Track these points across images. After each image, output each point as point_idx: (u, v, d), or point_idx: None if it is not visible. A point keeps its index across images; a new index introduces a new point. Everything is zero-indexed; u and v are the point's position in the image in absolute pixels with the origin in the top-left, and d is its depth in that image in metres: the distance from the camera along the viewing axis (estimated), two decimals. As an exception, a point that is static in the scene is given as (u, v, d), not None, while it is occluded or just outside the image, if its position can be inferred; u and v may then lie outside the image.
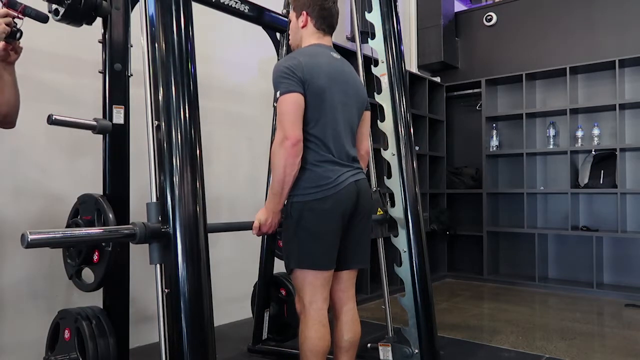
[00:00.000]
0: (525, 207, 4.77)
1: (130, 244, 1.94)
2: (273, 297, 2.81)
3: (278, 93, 1.80)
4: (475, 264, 5.09)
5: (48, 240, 1.30)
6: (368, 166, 2.40)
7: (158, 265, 1.44)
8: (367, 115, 2.10)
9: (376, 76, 2.60)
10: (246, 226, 1.96)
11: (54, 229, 1.32)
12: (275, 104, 2.86)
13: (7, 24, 1.65)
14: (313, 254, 1.82)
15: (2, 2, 1.67)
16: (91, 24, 1.94)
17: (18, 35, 1.70)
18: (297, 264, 1.85)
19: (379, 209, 2.45)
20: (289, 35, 2.14)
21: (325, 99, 1.84)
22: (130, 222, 1.46)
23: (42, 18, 1.78)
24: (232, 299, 3.30)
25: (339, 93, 1.90)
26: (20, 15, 1.69)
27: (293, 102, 1.78)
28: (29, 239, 1.22)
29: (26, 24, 1.72)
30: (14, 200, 2.42)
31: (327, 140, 1.85)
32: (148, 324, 2.69)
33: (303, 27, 1.99)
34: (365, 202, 1.96)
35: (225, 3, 2.51)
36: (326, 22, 1.98)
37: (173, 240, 1.41)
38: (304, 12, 1.97)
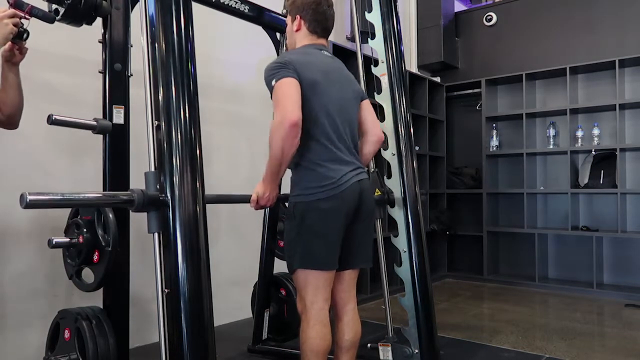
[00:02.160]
0: (525, 207, 4.77)
1: (130, 243, 1.95)
2: (273, 297, 2.81)
3: (274, 81, 1.78)
4: (475, 264, 5.09)
5: (46, 201, 1.29)
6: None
7: (158, 265, 1.44)
8: (366, 102, 2.09)
9: (376, 76, 2.60)
10: (244, 199, 1.94)
11: (53, 192, 1.31)
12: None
13: (15, 25, 1.65)
14: (316, 254, 1.82)
15: (9, 2, 1.68)
16: (91, 24, 1.94)
17: (25, 35, 1.71)
18: (300, 264, 1.85)
19: (377, 190, 2.44)
20: None
21: (320, 92, 1.85)
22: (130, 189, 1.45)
23: (49, 19, 1.78)
24: (232, 299, 3.30)
25: (336, 88, 1.91)
26: (27, 16, 1.69)
27: (291, 84, 1.77)
28: (28, 200, 1.21)
29: (28, 26, 1.72)
30: (16, 200, 2.41)
31: (328, 136, 1.85)
32: (148, 324, 2.69)
33: (297, 30, 2.01)
34: (368, 201, 1.96)
35: (225, 3, 2.51)
36: (320, 25, 1.99)
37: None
38: (298, 16, 1.99)
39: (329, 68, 1.93)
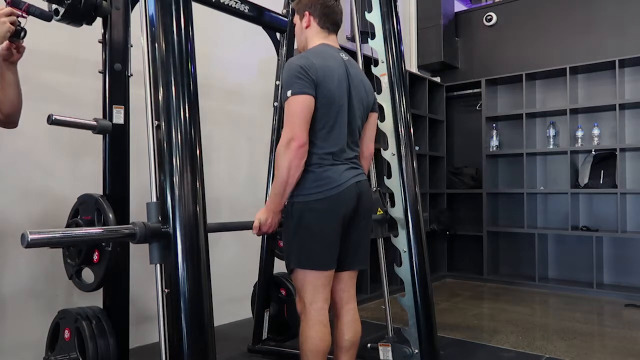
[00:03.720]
0: (525, 207, 4.77)
1: (130, 243, 1.95)
2: (273, 297, 2.81)
3: (289, 92, 1.76)
4: (475, 264, 5.09)
5: (48, 240, 1.29)
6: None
7: (158, 265, 1.44)
8: (373, 117, 2.09)
9: (376, 76, 2.59)
10: (246, 226, 1.96)
11: (54, 228, 1.31)
12: (275, 104, 2.87)
13: (12, 23, 1.65)
14: (314, 253, 1.82)
15: (6, 1, 1.67)
16: (91, 24, 1.94)
17: (22, 34, 1.70)
18: (298, 264, 1.85)
19: (379, 209, 2.45)
20: (290, 36, 2.13)
21: (333, 102, 1.84)
22: (130, 222, 1.45)
23: (47, 17, 1.78)
24: (232, 299, 3.30)
25: (346, 96, 1.89)
26: (24, 14, 1.69)
27: (304, 104, 1.76)
28: (29, 239, 1.22)
29: (25, 24, 1.72)
30: (15, 200, 2.42)
31: (329, 142, 1.85)
32: (148, 324, 2.69)
33: (307, 27, 1.99)
34: (366, 203, 1.96)
35: (225, 3, 2.52)
36: (329, 19, 1.97)
37: (173, 240, 1.41)
38: (307, 13, 1.97)
39: (345, 75, 1.90)
